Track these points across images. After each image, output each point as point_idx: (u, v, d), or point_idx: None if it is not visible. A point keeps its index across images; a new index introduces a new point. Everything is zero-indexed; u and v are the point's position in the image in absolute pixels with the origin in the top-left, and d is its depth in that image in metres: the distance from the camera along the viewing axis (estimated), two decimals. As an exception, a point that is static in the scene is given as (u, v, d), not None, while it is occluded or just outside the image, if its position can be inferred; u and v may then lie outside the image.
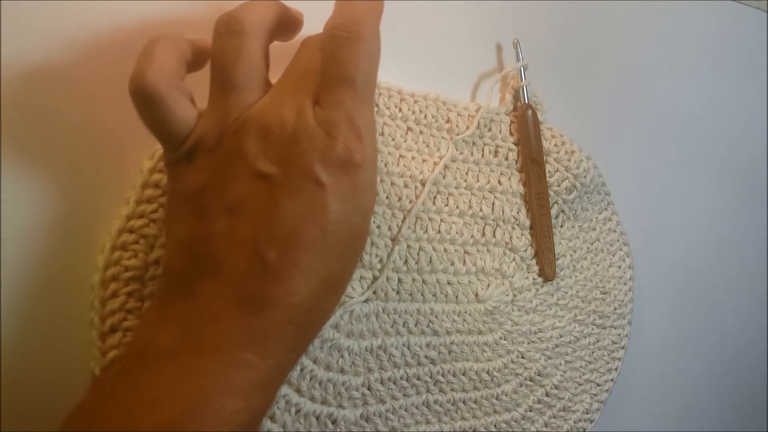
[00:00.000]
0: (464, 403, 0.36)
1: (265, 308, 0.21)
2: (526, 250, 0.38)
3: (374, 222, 0.33)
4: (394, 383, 0.33)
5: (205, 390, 0.20)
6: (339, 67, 0.23)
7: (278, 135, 0.22)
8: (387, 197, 0.33)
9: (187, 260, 0.22)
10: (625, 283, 0.43)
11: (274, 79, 0.25)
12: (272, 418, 0.30)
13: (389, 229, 0.33)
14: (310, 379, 0.31)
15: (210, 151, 0.23)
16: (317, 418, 0.31)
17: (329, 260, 0.22)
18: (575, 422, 0.40)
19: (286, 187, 0.22)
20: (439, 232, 0.35)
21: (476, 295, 0.36)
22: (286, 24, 0.26)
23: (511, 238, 0.38)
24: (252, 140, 0.22)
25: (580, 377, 0.41)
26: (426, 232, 0.35)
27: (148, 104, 0.22)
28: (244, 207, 0.22)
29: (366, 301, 0.32)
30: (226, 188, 0.22)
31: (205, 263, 0.22)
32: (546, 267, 0.39)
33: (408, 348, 0.34)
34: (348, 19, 0.23)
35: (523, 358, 0.38)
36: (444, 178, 0.35)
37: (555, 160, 0.39)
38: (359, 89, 0.23)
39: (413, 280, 0.34)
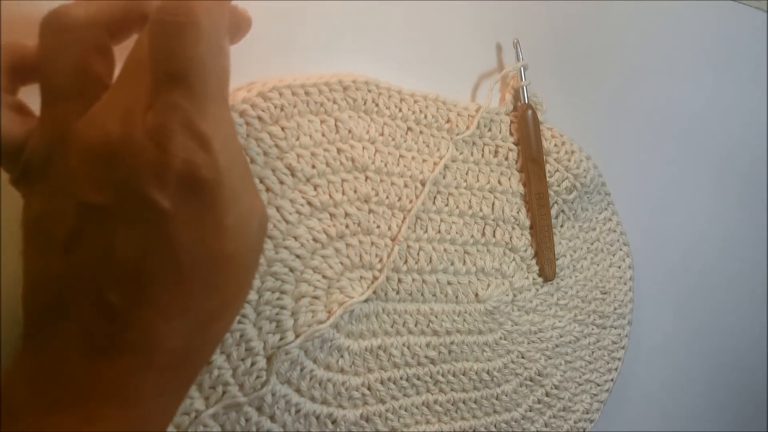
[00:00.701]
0: (464, 403, 0.36)
1: (118, 355, 0.18)
2: (526, 250, 0.38)
3: (374, 221, 0.33)
4: (394, 383, 0.33)
5: None
6: (168, 62, 0.18)
7: (101, 152, 0.18)
8: (387, 197, 0.33)
9: (38, 303, 0.20)
10: (625, 283, 0.43)
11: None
12: (272, 418, 0.30)
13: (389, 229, 0.33)
14: (310, 379, 0.31)
15: (43, 173, 0.19)
16: (317, 418, 0.31)
17: (192, 294, 0.19)
18: (575, 422, 0.40)
19: (120, 218, 0.18)
20: (439, 232, 0.35)
21: (476, 295, 0.36)
22: (146, 12, 0.21)
23: (511, 238, 0.38)
24: (76, 161, 0.18)
25: (580, 377, 0.41)
26: (426, 232, 0.35)
27: None
28: (78, 244, 0.18)
29: (366, 301, 0.32)
30: (59, 222, 0.19)
31: (53, 307, 0.19)
32: (546, 267, 0.39)
33: (408, 348, 0.34)
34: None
35: (523, 358, 0.38)
36: (444, 178, 0.35)
37: (555, 160, 0.39)
38: (196, 87, 0.18)
39: (413, 280, 0.34)
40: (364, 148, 0.33)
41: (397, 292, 0.34)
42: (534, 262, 0.39)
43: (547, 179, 0.38)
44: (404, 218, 0.34)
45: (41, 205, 0.19)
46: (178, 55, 0.18)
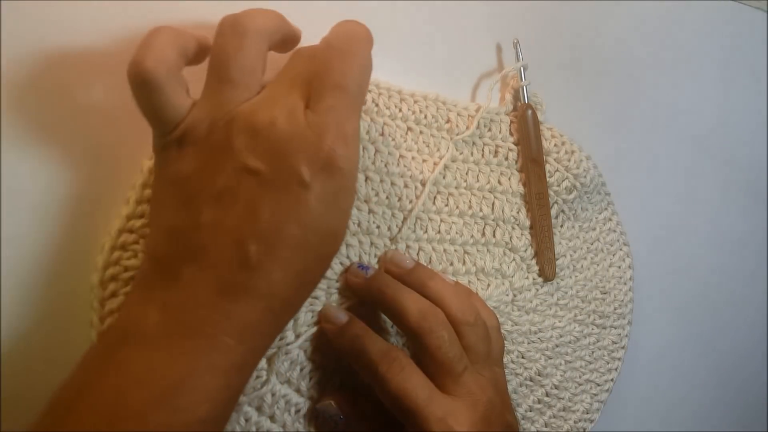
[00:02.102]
0: (464, 403, 0.36)
1: (245, 297, 0.22)
2: (526, 250, 0.38)
3: (374, 222, 0.33)
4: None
5: (189, 369, 0.21)
6: (333, 74, 0.24)
7: (267, 133, 0.23)
8: (387, 197, 0.33)
9: (171, 246, 0.23)
10: (625, 283, 0.43)
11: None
12: (272, 418, 0.30)
13: (389, 229, 0.33)
14: (310, 379, 0.31)
15: (199, 141, 0.24)
16: (317, 417, 0.31)
17: (306, 257, 0.23)
18: (575, 422, 0.40)
19: (272, 185, 0.22)
20: (439, 232, 0.35)
21: (476, 295, 0.36)
22: (285, 36, 0.27)
23: (511, 238, 0.38)
24: (241, 135, 0.23)
25: (580, 377, 0.41)
26: (426, 232, 0.35)
27: (145, 89, 0.23)
28: (229, 199, 0.23)
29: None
30: (213, 179, 0.23)
31: (189, 250, 0.23)
32: (546, 267, 0.39)
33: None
34: (345, 34, 0.25)
35: (523, 358, 0.38)
36: (444, 178, 0.35)
37: (555, 160, 0.39)
38: (350, 97, 0.24)
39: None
40: (364, 148, 0.33)
41: (397, 292, 0.33)
42: (534, 262, 0.39)
43: (547, 179, 0.38)
44: (404, 219, 0.34)
45: (196, 164, 0.23)
46: (342, 72, 0.24)
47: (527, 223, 0.38)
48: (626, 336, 0.43)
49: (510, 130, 0.38)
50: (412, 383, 0.28)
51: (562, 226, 0.40)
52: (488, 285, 0.37)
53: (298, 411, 0.31)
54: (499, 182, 0.37)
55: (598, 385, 0.42)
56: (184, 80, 0.24)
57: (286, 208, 0.22)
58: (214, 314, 0.22)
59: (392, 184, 0.33)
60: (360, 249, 0.32)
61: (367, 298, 0.32)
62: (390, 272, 0.32)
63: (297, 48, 0.27)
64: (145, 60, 0.22)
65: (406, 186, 0.34)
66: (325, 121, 0.23)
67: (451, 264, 0.35)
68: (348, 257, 0.32)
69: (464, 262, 0.36)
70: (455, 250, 0.36)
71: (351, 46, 0.24)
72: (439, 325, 0.30)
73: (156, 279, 0.23)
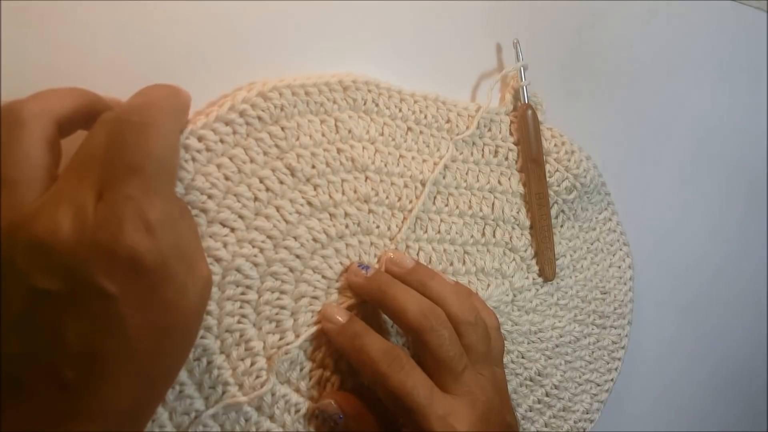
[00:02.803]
0: (464, 403, 0.36)
1: (75, 424, 0.20)
2: (526, 250, 0.38)
3: (374, 222, 0.33)
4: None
5: None
6: (126, 155, 0.20)
7: (51, 245, 0.19)
8: (387, 197, 0.33)
9: None
10: (625, 283, 0.43)
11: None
12: (272, 418, 0.30)
13: (389, 229, 0.33)
14: (310, 379, 0.31)
15: None
16: (317, 417, 0.31)
17: (142, 364, 0.21)
18: (575, 422, 0.40)
19: (71, 303, 0.19)
20: (439, 232, 0.35)
21: (476, 295, 0.36)
22: (84, 111, 0.23)
23: (511, 238, 0.38)
24: (25, 250, 0.20)
25: (580, 377, 0.41)
26: (426, 232, 0.35)
27: None
28: (30, 325, 0.20)
29: (366, 301, 0.32)
30: (7, 303, 0.20)
31: (5, 383, 0.20)
32: (546, 267, 0.39)
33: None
34: (140, 102, 0.22)
35: (523, 358, 0.38)
36: (444, 178, 0.35)
37: (555, 160, 0.39)
38: (150, 179, 0.20)
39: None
40: (364, 148, 0.33)
41: (397, 292, 0.33)
42: (534, 262, 0.39)
43: (547, 179, 0.38)
44: (404, 219, 0.34)
45: None
46: (140, 150, 0.21)
47: (527, 223, 0.38)
48: (626, 336, 0.43)
49: (510, 130, 0.38)
50: (412, 381, 0.28)
51: (562, 226, 0.40)
52: (488, 285, 0.37)
53: (298, 411, 0.31)
54: (499, 182, 0.37)
55: (598, 385, 0.42)
56: None
57: (95, 326, 0.20)
58: None
59: (392, 184, 0.33)
60: (360, 249, 0.32)
61: (368, 298, 0.31)
62: (390, 272, 0.32)
63: (100, 117, 0.22)
64: None
65: (406, 186, 0.34)
66: (119, 213, 0.20)
67: (451, 264, 0.35)
68: (348, 257, 0.32)
69: (464, 262, 0.36)
70: (455, 250, 0.36)
71: (147, 115, 0.21)
72: (439, 323, 0.30)
73: None
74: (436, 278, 0.32)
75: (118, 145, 0.21)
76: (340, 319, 0.30)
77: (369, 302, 0.32)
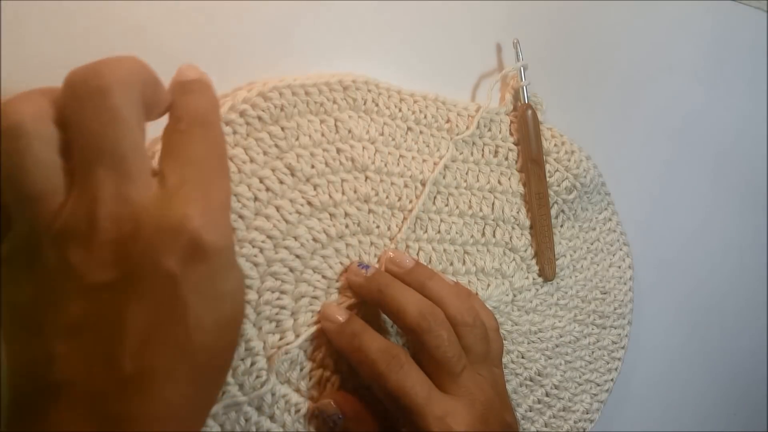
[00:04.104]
0: (464, 403, 0.36)
1: (132, 426, 0.19)
2: (526, 250, 0.38)
3: (374, 222, 0.33)
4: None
5: None
6: (187, 148, 0.21)
7: (105, 230, 0.19)
8: (387, 197, 0.33)
9: (32, 383, 0.19)
10: (625, 283, 0.43)
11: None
12: (272, 418, 0.30)
13: (389, 229, 0.33)
14: (310, 379, 0.31)
15: (29, 264, 0.19)
16: (317, 417, 0.31)
17: (197, 358, 0.20)
18: (575, 422, 0.40)
19: (131, 290, 0.19)
20: (439, 232, 0.35)
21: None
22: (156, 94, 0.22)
23: (511, 238, 0.38)
24: (75, 249, 0.19)
25: (580, 377, 0.41)
26: (426, 232, 0.35)
27: None
28: (85, 324, 0.19)
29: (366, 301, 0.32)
30: (58, 308, 0.19)
31: (54, 385, 0.19)
32: (546, 267, 0.39)
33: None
34: (196, 107, 0.21)
35: (523, 358, 0.38)
36: (444, 178, 0.35)
37: (555, 160, 0.39)
38: (210, 166, 0.20)
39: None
40: (364, 148, 0.33)
41: (397, 292, 0.33)
42: (534, 262, 0.39)
43: (547, 179, 0.38)
44: (404, 219, 0.34)
45: (32, 292, 0.19)
46: (201, 145, 0.21)
47: (527, 223, 0.38)
48: (626, 336, 0.43)
49: (510, 130, 0.38)
50: (411, 381, 0.28)
51: (562, 226, 0.40)
52: (488, 285, 0.37)
53: (298, 411, 0.31)
54: (499, 182, 0.37)
55: (598, 385, 0.42)
56: None
57: (155, 313, 0.19)
58: None
59: (392, 183, 0.33)
60: (360, 249, 0.32)
61: (367, 297, 0.31)
62: (390, 271, 0.32)
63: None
64: None
65: (406, 186, 0.34)
66: (184, 195, 0.19)
67: (451, 264, 0.35)
68: (348, 257, 0.32)
69: (464, 262, 0.36)
70: (455, 250, 0.36)
71: (199, 127, 0.21)
72: (438, 324, 0.29)
73: (22, 423, 0.19)
74: (436, 278, 0.32)
75: (181, 140, 0.21)
76: (339, 318, 0.30)
77: (369, 302, 0.32)
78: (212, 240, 0.19)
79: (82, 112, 0.19)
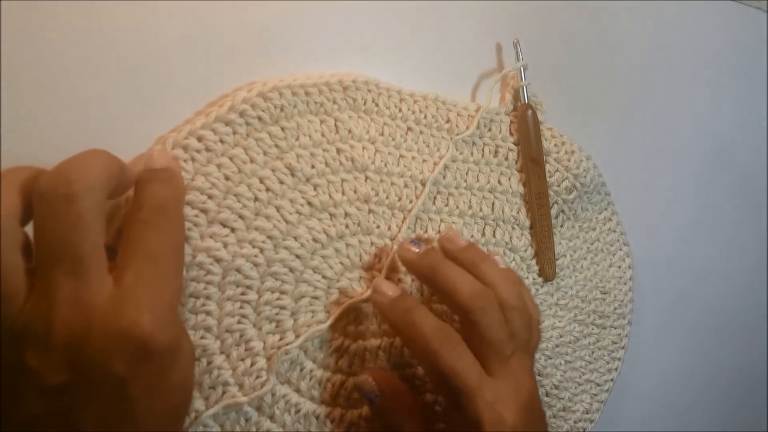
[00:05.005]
0: (464, 403, 0.36)
1: None
2: (526, 250, 0.38)
3: (374, 222, 0.33)
4: (394, 383, 0.33)
5: None
6: (140, 244, 0.22)
7: (59, 334, 0.20)
8: (387, 197, 0.33)
9: None
10: (625, 283, 0.43)
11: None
12: (272, 418, 0.30)
13: (389, 229, 0.33)
14: (310, 379, 0.31)
15: None
16: (317, 418, 0.31)
17: None
18: (575, 422, 0.40)
19: (83, 392, 0.20)
20: (439, 232, 0.35)
21: (476, 295, 0.36)
22: (122, 180, 0.23)
23: (511, 238, 0.38)
24: (31, 351, 0.20)
25: (580, 377, 0.41)
26: (426, 232, 0.35)
27: None
28: (43, 423, 0.20)
29: (366, 301, 0.32)
30: (18, 406, 0.20)
31: None
32: (546, 267, 0.39)
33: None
34: (154, 203, 0.23)
35: (523, 358, 0.38)
36: (444, 178, 0.35)
37: (555, 160, 0.39)
38: (162, 267, 0.22)
39: (413, 280, 0.34)
40: (364, 148, 0.33)
41: (397, 292, 0.33)
42: (534, 262, 0.39)
43: (547, 179, 0.38)
44: (404, 218, 0.34)
45: (5, 393, 0.20)
46: (157, 242, 0.22)
47: (527, 223, 0.38)
48: (626, 336, 0.43)
49: (510, 130, 0.38)
50: (463, 363, 0.28)
51: (562, 226, 0.40)
52: (488, 285, 0.37)
53: (298, 411, 0.31)
54: (499, 182, 0.37)
55: (598, 385, 0.42)
56: None
57: (109, 411, 0.20)
58: None
59: (392, 183, 0.33)
60: (360, 249, 0.32)
61: (418, 273, 0.31)
62: (443, 248, 0.32)
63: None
64: None
65: (406, 186, 0.34)
66: (136, 298, 0.20)
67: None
68: (348, 257, 0.32)
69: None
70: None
71: (160, 218, 0.23)
72: (491, 305, 0.29)
73: None
74: (489, 261, 0.31)
75: (135, 236, 0.22)
76: (390, 293, 0.30)
77: (419, 279, 0.32)
78: (160, 342, 0.20)
79: (48, 217, 0.20)
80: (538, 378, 0.39)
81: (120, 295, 0.20)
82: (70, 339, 0.20)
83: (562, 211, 0.40)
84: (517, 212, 0.38)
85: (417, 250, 0.31)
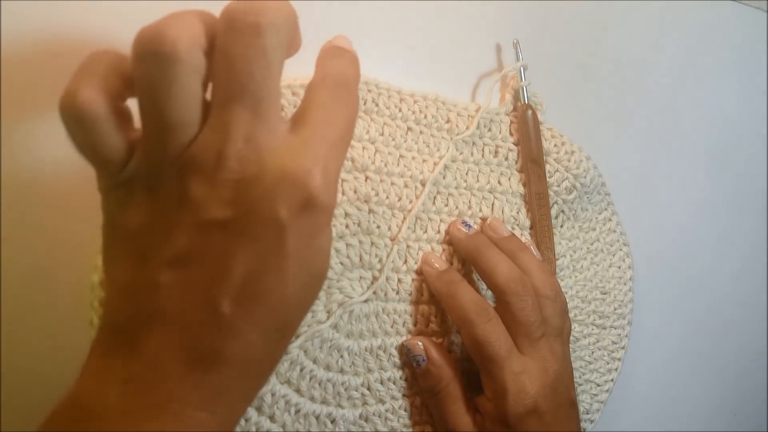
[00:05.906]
0: (464, 403, 0.36)
1: (218, 364, 0.20)
2: (526, 250, 0.38)
3: (374, 222, 0.33)
4: (394, 383, 0.33)
5: None
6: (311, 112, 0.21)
7: (230, 169, 0.19)
8: (387, 197, 0.33)
9: (128, 310, 0.20)
10: (625, 283, 0.43)
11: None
12: (272, 418, 0.30)
13: (389, 229, 0.33)
14: (310, 379, 0.31)
15: (150, 190, 0.20)
16: (317, 418, 0.31)
17: (286, 309, 0.21)
18: (575, 422, 0.40)
19: (243, 233, 0.19)
20: (439, 232, 0.35)
21: (476, 295, 0.36)
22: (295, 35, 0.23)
23: (511, 238, 0.38)
24: (197, 183, 0.19)
25: (580, 377, 0.41)
26: (426, 232, 0.35)
27: (79, 126, 0.19)
28: (193, 258, 0.19)
29: (366, 301, 0.32)
30: (170, 237, 0.20)
31: (151, 315, 0.20)
32: (546, 267, 0.39)
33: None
34: (341, 74, 0.23)
35: (523, 358, 0.38)
36: (444, 178, 0.35)
37: (555, 160, 0.39)
38: (340, 133, 0.21)
39: (413, 280, 0.34)
40: (364, 148, 0.33)
41: (397, 292, 0.34)
42: (534, 262, 0.39)
43: (547, 179, 0.38)
44: (404, 219, 0.34)
45: (145, 219, 0.20)
46: (337, 115, 0.21)
47: (527, 223, 0.38)
48: (626, 336, 0.43)
49: (510, 130, 0.38)
50: (495, 334, 0.31)
51: (562, 226, 0.40)
52: (488, 285, 0.37)
53: (298, 411, 0.31)
54: (499, 182, 0.37)
55: (598, 385, 0.42)
56: (128, 111, 0.21)
57: (261, 259, 0.19)
58: (180, 388, 0.19)
59: (392, 184, 0.33)
60: (360, 249, 0.32)
61: (464, 252, 0.34)
62: (486, 235, 0.35)
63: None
64: (79, 91, 0.19)
65: (406, 186, 0.34)
66: (312, 151, 0.20)
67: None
68: (348, 257, 0.32)
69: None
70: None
71: (343, 91, 0.22)
72: (525, 290, 0.32)
73: (114, 348, 0.20)
74: (527, 251, 0.35)
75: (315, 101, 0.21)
76: (437, 266, 0.34)
77: (465, 257, 0.35)
78: (324, 198, 0.20)
79: (235, 46, 0.19)
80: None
81: (296, 144, 0.20)
82: (241, 176, 0.19)
83: (562, 211, 0.40)
84: (517, 212, 0.38)
85: (467, 231, 0.34)
